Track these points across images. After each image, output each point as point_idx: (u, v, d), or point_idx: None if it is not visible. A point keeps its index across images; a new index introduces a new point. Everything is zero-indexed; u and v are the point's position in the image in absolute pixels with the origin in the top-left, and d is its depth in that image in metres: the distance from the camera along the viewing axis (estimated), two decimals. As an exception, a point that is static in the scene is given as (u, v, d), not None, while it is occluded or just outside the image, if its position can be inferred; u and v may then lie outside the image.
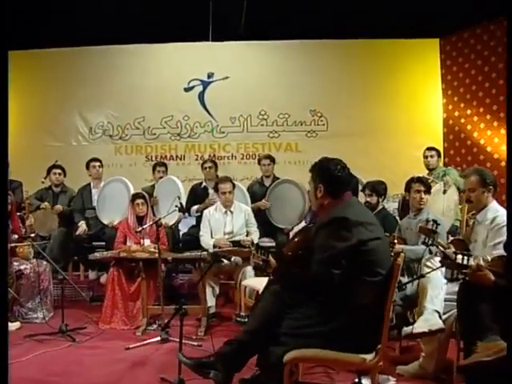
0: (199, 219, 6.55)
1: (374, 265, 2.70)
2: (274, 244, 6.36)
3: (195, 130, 8.44)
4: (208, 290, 5.41)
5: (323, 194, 2.95)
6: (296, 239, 3.07)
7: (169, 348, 4.65)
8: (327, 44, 8.25)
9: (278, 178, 6.80)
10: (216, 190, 5.90)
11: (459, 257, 3.01)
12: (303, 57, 8.32)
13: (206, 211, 5.94)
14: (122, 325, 5.32)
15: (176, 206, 5.36)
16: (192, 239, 6.34)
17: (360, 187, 6.00)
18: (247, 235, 5.90)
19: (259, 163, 6.96)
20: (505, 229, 3.65)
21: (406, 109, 8.22)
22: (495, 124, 7.44)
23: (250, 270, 5.49)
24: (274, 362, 2.74)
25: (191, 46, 8.35)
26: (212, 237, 5.80)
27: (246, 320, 3.79)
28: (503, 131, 7.32)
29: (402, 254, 2.79)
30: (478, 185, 3.86)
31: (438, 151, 6.44)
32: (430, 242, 3.47)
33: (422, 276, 3.41)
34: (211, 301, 5.46)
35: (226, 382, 2.92)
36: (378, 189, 5.29)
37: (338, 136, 8.23)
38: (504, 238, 3.61)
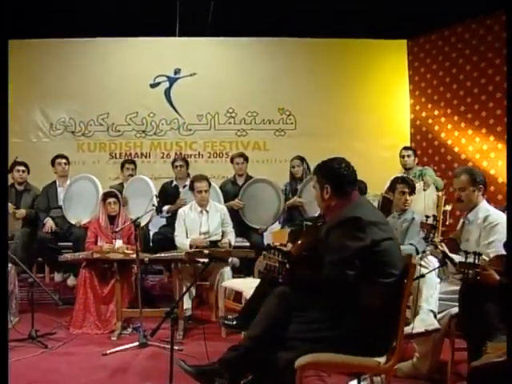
0: (170, 219, 6.39)
1: (387, 266, 2.62)
2: (248, 244, 6.25)
3: (161, 127, 8.20)
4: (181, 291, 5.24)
5: (330, 195, 2.85)
6: (300, 241, 2.95)
7: (148, 353, 4.48)
8: (296, 42, 8.15)
9: (251, 177, 6.68)
10: (191, 188, 5.72)
11: (470, 256, 2.96)
12: (272, 55, 8.21)
13: (180, 211, 5.76)
14: (94, 329, 5.09)
15: (153, 205, 5.18)
16: (163, 239, 6.18)
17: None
18: (223, 235, 5.76)
19: (232, 161, 6.82)
20: (498, 227, 3.67)
21: (375, 109, 8.21)
22: (462, 125, 7.53)
23: (228, 270, 5.35)
24: (282, 367, 2.61)
25: (157, 41, 8.11)
26: (187, 237, 5.64)
27: (235, 323, 3.62)
28: (470, 132, 7.42)
29: (415, 255, 2.72)
30: (469, 184, 3.86)
31: (414, 151, 6.47)
32: (431, 237, 3.44)
33: (423, 276, 3.36)
34: (187, 303, 5.30)
35: (233, 391, 2.78)
36: (361, 187, 5.23)
37: (307, 135, 8.16)
38: (497, 236, 3.61)
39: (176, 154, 7.99)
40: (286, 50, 8.22)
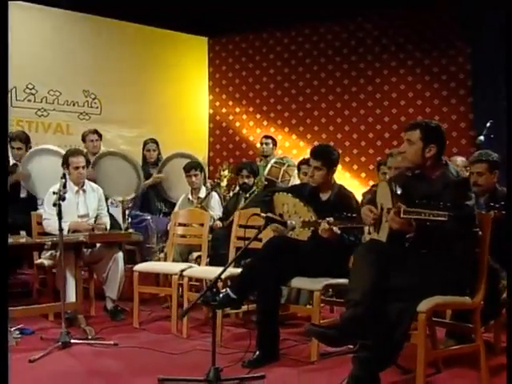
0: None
1: (476, 218, 3.00)
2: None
3: None
4: (71, 283, 4.59)
5: (432, 156, 3.02)
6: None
7: (84, 351, 3.85)
8: (106, 24, 7.77)
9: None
10: (65, 164, 5.00)
11: None
12: (81, 33, 7.60)
13: (50, 191, 4.96)
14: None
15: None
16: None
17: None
18: (96, 219, 5.20)
19: (84, 140, 6.20)
20: None
21: (176, 101, 8.35)
22: (265, 123, 8.22)
23: (121, 256, 4.89)
24: (397, 318, 2.73)
25: None
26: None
27: (234, 297, 3.49)
28: (273, 129, 8.13)
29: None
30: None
31: (274, 139, 6.78)
32: None
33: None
34: (73, 296, 4.63)
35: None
36: (255, 168, 5.38)
37: (112, 122, 7.83)
38: None
39: None
40: (96, 31, 7.75)
